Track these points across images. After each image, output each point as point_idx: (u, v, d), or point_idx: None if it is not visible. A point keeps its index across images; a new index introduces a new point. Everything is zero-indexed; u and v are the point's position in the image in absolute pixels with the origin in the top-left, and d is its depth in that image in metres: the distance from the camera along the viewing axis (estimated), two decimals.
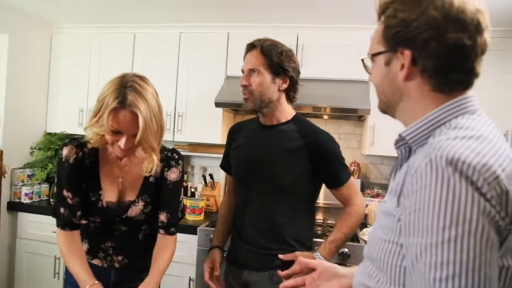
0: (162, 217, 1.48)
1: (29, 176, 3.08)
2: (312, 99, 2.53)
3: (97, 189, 1.41)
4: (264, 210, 1.59)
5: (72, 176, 1.38)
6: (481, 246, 0.60)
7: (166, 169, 1.47)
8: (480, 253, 0.60)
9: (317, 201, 1.73)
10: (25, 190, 2.93)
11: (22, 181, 3.01)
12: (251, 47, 1.59)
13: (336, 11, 2.55)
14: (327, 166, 1.58)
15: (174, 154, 1.50)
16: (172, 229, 1.52)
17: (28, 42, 3.04)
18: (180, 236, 2.47)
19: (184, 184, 3.11)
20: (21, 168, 3.05)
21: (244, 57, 1.61)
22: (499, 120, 2.66)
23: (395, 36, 0.77)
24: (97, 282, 1.33)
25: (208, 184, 3.09)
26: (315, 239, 1.75)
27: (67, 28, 3.23)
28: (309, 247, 1.64)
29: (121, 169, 1.44)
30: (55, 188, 1.43)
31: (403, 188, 0.70)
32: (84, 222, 1.43)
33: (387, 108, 0.87)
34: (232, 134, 1.79)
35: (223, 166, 1.85)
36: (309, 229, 1.68)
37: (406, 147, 0.83)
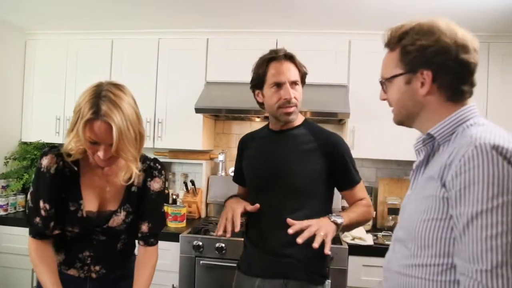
0: (144, 227, 1.48)
1: (3, 187, 2.99)
2: None
3: (77, 199, 1.39)
4: (283, 215, 1.53)
5: (53, 186, 1.35)
6: None
7: (149, 179, 1.47)
8: None
9: None
10: None
11: None
12: (290, 58, 1.59)
13: (315, 17, 2.59)
14: (342, 166, 1.60)
15: (157, 164, 1.50)
16: (152, 240, 1.51)
17: (1, 49, 2.96)
18: (162, 243, 2.44)
19: (166, 191, 3.09)
20: None
21: (276, 66, 1.57)
22: None
23: (414, 60, 0.97)
24: None
25: (189, 190, 3.06)
26: None
27: (42, 35, 3.16)
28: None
29: (102, 179, 1.42)
30: (29, 196, 1.39)
31: (449, 172, 0.86)
32: (57, 232, 1.40)
33: (406, 119, 1.06)
34: (243, 145, 1.79)
35: (237, 179, 1.85)
36: None
37: (430, 145, 1.02)
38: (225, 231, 1.54)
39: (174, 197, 3.09)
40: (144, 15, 2.71)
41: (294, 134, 1.63)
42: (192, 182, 3.04)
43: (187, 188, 3.08)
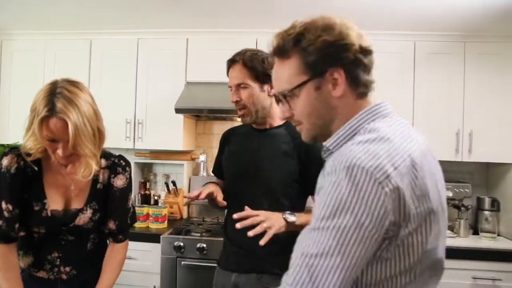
0: (111, 224, 1.49)
1: None
2: None
3: (41, 198, 1.38)
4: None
5: (14, 187, 1.34)
6: (357, 237, 0.70)
7: (113, 175, 1.48)
8: (354, 243, 0.70)
9: None
10: None
11: None
12: (232, 62, 1.61)
13: (294, 17, 2.59)
14: (313, 168, 1.54)
15: (121, 161, 1.50)
16: (120, 237, 1.52)
17: None
18: (143, 245, 2.46)
19: (147, 192, 3.07)
20: None
21: (228, 73, 1.63)
22: (449, 119, 2.78)
23: (319, 60, 0.85)
24: None
25: (171, 191, 3.05)
26: None
27: (18, 35, 3.10)
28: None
29: (67, 177, 1.42)
30: None
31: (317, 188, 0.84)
32: (22, 234, 1.39)
33: (321, 131, 0.91)
34: (225, 139, 1.82)
35: (216, 172, 1.86)
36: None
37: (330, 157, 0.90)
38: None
39: (155, 198, 3.07)
40: (123, 15, 2.68)
41: (274, 133, 1.67)
42: (174, 183, 3.03)
43: (168, 189, 3.06)
